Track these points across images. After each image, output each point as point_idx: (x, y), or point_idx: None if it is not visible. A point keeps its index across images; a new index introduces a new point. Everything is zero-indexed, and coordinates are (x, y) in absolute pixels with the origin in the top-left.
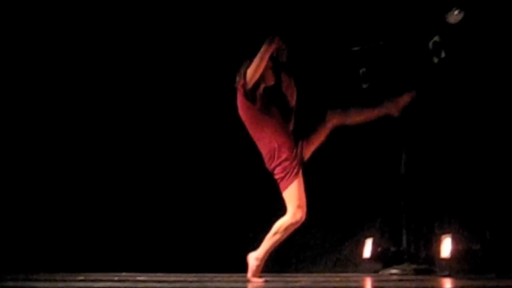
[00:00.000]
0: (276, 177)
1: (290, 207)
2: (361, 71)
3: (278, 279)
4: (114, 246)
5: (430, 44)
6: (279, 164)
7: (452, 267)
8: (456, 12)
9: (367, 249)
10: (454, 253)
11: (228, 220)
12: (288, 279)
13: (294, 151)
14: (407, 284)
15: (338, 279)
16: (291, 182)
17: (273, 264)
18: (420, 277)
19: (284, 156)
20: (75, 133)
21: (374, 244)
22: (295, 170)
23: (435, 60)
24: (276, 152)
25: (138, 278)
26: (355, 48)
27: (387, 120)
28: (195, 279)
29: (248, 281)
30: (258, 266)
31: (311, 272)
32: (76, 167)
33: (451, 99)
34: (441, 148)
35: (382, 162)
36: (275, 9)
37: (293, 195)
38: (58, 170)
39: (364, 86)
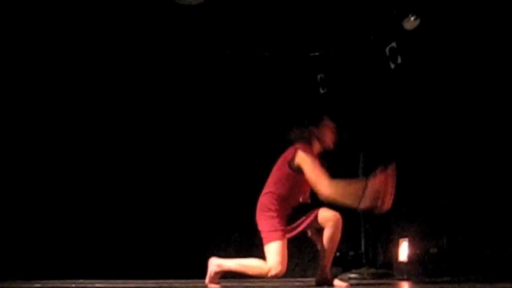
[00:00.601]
0: (262, 229)
1: (270, 260)
2: (318, 76)
3: (237, 284)
4: (72, 253)
5: (387, 50)
6: (271, 218)
7: (409, 271)
8: (412, 18)
9: None
10: (412, 257)
11: (186, 227)
12: (246, 284)
13: (298, 218)
14: None
15: (297, 283)
16: (276, 240)
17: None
18: (378, 281)
19: (278, 215)
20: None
21: None
22: (286, 234)
23: (392, 65)
24: (276, 206)
25: (96, 285)
26: (313, 54)
27: (345, 123)
28: (154, 285)
29: (206, 287)
30: (216, 273)
31: None
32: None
33: (408, 104)
34: (398, 151)
35: (340, 165)
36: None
37: (275, 252)
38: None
39: (322, 91)
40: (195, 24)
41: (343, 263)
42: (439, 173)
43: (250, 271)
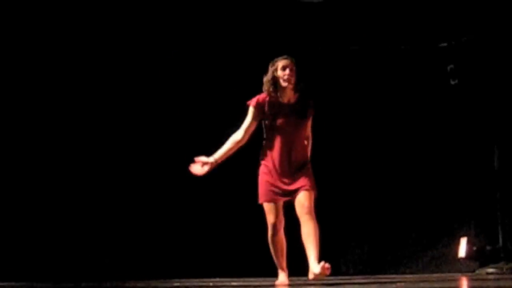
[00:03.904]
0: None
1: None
2: (448, 67)
3: (373, 280)
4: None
5: None
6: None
7: None
8: None
9: (462, 248)
10: None
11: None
12: (383, 280)
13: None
14: (506, 283)
15: (434, 279)
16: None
17: (368, 265)
18: None
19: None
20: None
21: (469, 243)
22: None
23: None
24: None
25: (233, 283)
26: (442, 45)
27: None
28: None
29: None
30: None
31: (406, 272)
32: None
33: None
34: None
35: (475, 158)
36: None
37: (267, 211)
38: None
39: (453, 82)
40: (316, 22)
41: (481, 258)
42: None
43: (272, 247)
